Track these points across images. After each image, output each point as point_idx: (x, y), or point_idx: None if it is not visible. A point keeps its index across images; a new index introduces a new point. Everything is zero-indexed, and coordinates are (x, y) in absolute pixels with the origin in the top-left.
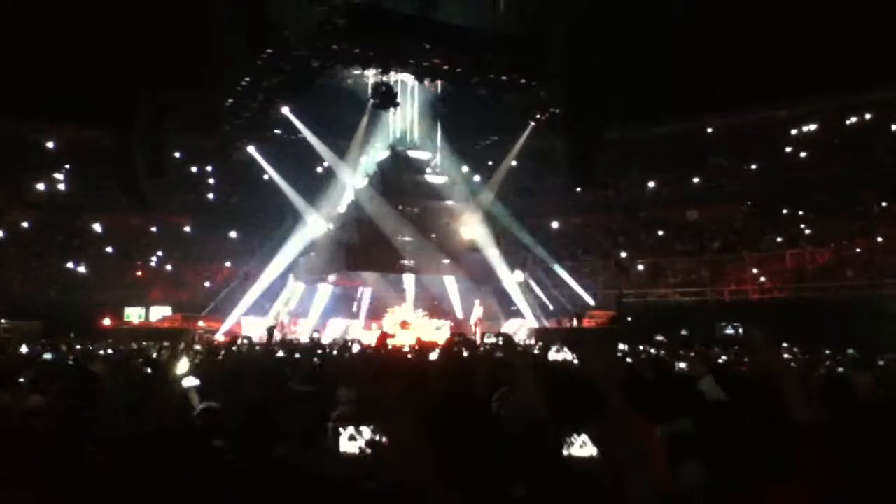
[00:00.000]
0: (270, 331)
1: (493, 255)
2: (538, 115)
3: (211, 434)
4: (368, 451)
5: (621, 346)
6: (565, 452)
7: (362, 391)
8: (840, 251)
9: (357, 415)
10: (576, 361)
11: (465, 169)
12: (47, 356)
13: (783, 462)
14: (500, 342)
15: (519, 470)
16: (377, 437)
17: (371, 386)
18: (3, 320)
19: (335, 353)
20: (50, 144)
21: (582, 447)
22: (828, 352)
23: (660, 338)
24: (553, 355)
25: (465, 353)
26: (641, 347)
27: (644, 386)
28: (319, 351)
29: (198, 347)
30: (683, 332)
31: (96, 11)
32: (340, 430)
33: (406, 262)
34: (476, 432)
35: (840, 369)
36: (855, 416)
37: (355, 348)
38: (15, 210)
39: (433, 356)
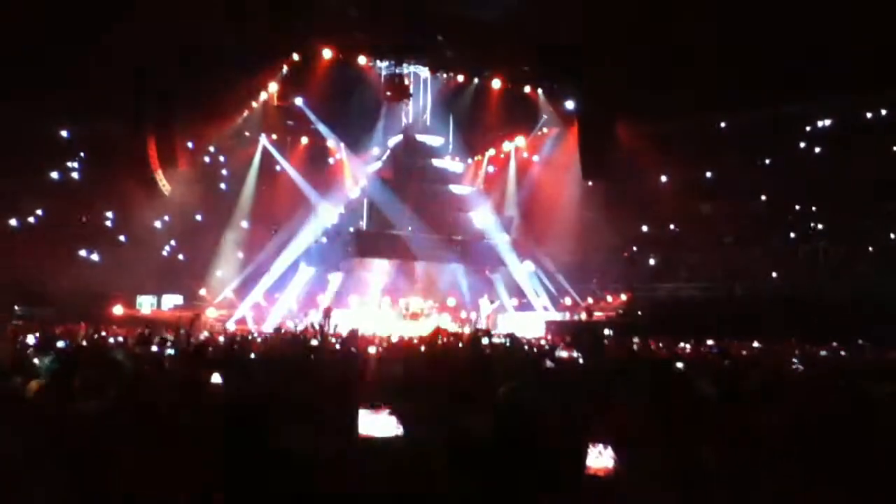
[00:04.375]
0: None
1: (504, 244)
2: (551, 109)
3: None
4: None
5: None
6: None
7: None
8: (853, 247)
9: (378, 395)
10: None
11: (477, 158)
12: (60, 344)
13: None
14: (508, 343)
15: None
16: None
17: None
18: (16, 307)
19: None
20: (64, 133)
21: (598, 458)
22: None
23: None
24: (559, 352)
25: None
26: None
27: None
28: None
29: (206, 334)
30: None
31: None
32: (360, 410)
33: (415, 249)
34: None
35: None
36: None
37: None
38: (28, 198)
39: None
